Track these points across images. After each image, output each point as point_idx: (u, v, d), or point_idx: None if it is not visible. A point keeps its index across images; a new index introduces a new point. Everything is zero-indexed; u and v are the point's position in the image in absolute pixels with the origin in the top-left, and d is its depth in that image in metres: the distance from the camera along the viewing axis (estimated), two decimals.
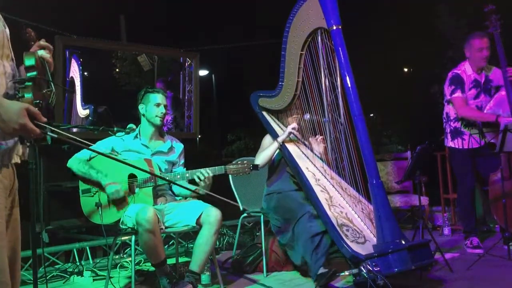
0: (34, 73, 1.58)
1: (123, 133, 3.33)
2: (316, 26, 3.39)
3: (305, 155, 3.64)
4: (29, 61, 1.60)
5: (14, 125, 1.40)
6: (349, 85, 3.11)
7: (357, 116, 3.09)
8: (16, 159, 1.58)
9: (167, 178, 3.15)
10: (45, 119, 1.46)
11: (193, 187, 3.16)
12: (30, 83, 1.54)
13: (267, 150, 3.68)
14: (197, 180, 3.08)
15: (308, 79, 3.57)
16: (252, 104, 3.88)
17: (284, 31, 3.54)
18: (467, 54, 4.15)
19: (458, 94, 4.07)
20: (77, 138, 1.63)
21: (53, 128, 1.48)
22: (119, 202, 3.14)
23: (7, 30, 1.62)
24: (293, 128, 3.63)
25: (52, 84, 1.63)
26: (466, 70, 4.14)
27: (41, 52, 1.68)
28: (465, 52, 4.18)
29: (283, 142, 3.65)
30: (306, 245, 3.24)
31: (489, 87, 4.16)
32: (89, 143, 1.74)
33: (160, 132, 3.43)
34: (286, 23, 3.52)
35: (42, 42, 1.72)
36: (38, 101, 1.50)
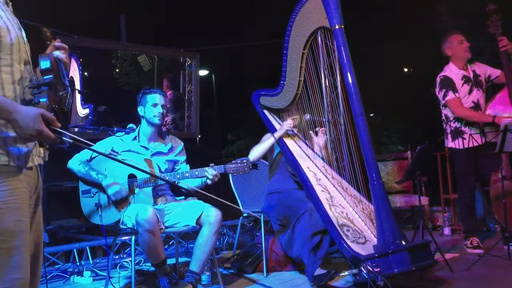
0: (50, 76, 1.59)
1: (123, 133, 3.35)
2: (319, 25, 3.38)
3: (306, 154, 3.64)
4: (44, 64, 1.61)
5: (31, 131, 1.45)
6: (351, 85, 3.11)
7: (359, 116, 3.09)
8: (39, 161, 1.64)
9: (167, 179, 3.15)
10: (59, 124, 1.49)
11: (196, 182, 3.18)
12: (45, 88, 1.55)
13: (262, 144, 3.71)
14: (210, 177, 3.09)
15: (310, 78, 3.57)
16: (253, 103, 3.89)
17: (286, 30, 3.54)
18: (449, 52, 4.18)
19: (450, 96, 4.08)
20: (89, 142, 1.65)
21: (67, 133, 1.51)
22: (119, 203, 3.14)
23: (23, 33, 1.64)
24: (289, 125, 3.64)
25: (68, 87, 1.63)
26: (452, 70, 4.15)
27: (57, 53, 1.69)
28: (446, 52, 4.20)
29: (281, 138, 3.65)
30: (305, 244, 3.24)
31: (479, 80, 4.17)
32: (105, 154, 1.77)
33: (160, 133, 3.43)
34: (288, 21, 3.51)
35: (57, 43, 1.73)
36: (53, 105, 1.52)
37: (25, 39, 1.65)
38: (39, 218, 1.69)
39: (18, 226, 1.51)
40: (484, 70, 4.19)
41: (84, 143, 1.61)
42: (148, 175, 3.16)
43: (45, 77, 1.59)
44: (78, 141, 1.57)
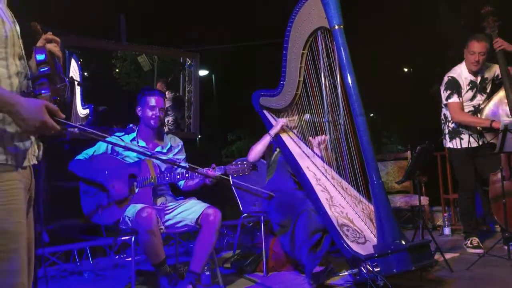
0: (46, 68, 1.56)
1: (123, 133, 3.35)
2: (318, 26, 3.37)
3: (305, 154, 3.64)
4: (40, 56, 1.58)
5: (35, 123, 1.41)
6: (351, 85, 3.10)
7: (359, 116, 3.08)
8: (33, 160, 1.59)
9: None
10: (63, 115, 1.47)
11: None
12: (45, 80, 1.52)
13: (258, 144, 3.72)
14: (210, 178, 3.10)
15: (309, 78, 3.57)
16: (253, 103, 3.89)
17: (286, 30, 3.53)
18: (464, 55, 4.12)
19: (454, 99, 4.06)
20: (96, 132, 1.65)
21: (72, 124, 1.50)
22: (121, 201, 3.14)
23: (17, 27, 1.59)
24: (283, 122, 3.68)
25: (66, 79, 1.61)
26: (462, 72, 4.11)
27: (49, 46, 1.65)
28: (464, 51, 4.15)
29: (281, 138, 3.66)
30: (304, 242, 3.25)
31: (484, 85, 4.15)
32: (105, 135, 1.75)
33: (159, 133, 3.43)
34: (288, 22, 3.51)
35: (49, 35, 1.69)
36: (55, 97, 1.50)
37: (19, 33, 1.60)
38: (30, 221, 1.63)
39: (17, 228, 1.46)
40: (493, 72, 4.16)
41: (91, 132, 1.60)
42: (147, 176, 3.17)
43: (41, 69, 1.56)
44: (85, 131, 1.55)
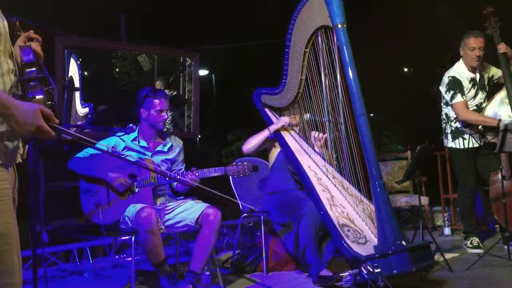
0: (34, 69, 1.51)
1: (123, 133, 3.34)
2: (321, 24, 3.35)
3: (307, 153, 3.64)
4: (27, 57, 1.52)
5: (30, 127, 1.36)
6: (353, 84, 3.08)
7: (360, 115, 3.07)
8: (19, 159, 1.55)
9: (168, 176, 3.16)
10: (57, 121, 1.42)
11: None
12: (37, 82, 1.47)
13: (255, 137, 3.74)
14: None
15: (311, 77, 3.56)
16: (254, 101, 3.89)
17: (288, 27, 3.51)
18: (462, 52, 4.12)
19: (458, 99, 4.05)
20: (87, 139, 1.58)
21: (65, 130, 1.44)
22: (122, 194, 3.13)
23: (6, 23, 1.53)
24: (285, 121, 3.69)
25: (51, 81, 1.55)
26: (461, 71, 4.10)
27: (31, 45, 1.60)
28: (459, 51, 4.14)
29: (282, 137, 3.65)
30: (308, 243, 3.25)
31: (483, 82, 4.15)
32: (96, 142, 1.70)
33: (160, 133, 3.43)
34: (291, 20, 3.49)
35: (31, 33, 1.63)
36: (49, 102, 1.45)
37: (7, 29, 1.52)
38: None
39: (7, 229, 1.43)
40: (488, 71, 4.18)
41: (84, 140, 1.54)
42: (148, 176, 3.16)
43: (29, 71, 1.51)
44: (78, 137, 1.49)
